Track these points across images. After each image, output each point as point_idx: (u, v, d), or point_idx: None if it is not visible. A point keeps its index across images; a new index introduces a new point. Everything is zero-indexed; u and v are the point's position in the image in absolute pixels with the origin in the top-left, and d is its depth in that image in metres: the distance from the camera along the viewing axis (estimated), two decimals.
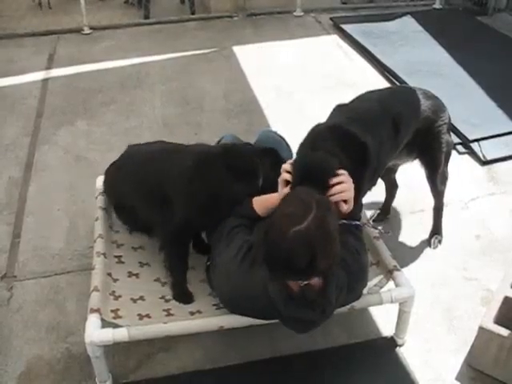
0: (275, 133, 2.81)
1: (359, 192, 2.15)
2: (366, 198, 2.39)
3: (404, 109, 2.46)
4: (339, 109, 2.42)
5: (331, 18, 5.82)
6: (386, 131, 2.35)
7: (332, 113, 2.42)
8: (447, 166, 2.74)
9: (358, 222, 2.18)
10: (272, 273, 1.86)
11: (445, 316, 2.53)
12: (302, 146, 2.24)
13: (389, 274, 2.30)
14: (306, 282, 1.83)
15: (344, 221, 2.07)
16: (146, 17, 5.93)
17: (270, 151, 2.36)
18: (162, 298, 2.32)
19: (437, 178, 2.72)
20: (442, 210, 2.88)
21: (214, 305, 2.25)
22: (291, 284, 1.88)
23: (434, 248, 2.89)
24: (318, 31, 5.65)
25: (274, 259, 1.78)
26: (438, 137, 2.59)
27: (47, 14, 6.00)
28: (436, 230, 2.93)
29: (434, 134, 2.58)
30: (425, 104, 2.53)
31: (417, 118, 2.50)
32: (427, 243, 2.91)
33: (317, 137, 2.22)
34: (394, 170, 2.94)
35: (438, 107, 2.59)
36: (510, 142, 3.76)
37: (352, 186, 2.03)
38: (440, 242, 2.91)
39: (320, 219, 1.75)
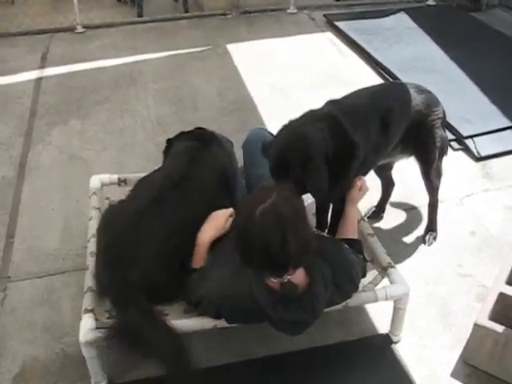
0: (266, 130, 2.81)
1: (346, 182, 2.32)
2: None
3: (394, 104, 2.47)
4: (330, 103, 2.44)
5: (325, 15, 5.82)
6: (375, 126, 2.36)
7: (323, 107, 2.44)
8: (441, 161, 2.74)
9: None
10: (250, 265, 1.85)
11: (440, 312, 2.54)
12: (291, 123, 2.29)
13: (383, 271, 2.31)
14: (286, 278, 1.83)
15: None
16: (140, 15, 5.90)
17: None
18: None
19: (431, 174, 2.72)
20: (436, 206, 2.88)
21: None
22: (272, 284, 1.87)
23: (429, 245, 2.89)
24: (311, 28, 5.64)
25: (248, 247, 1.78)
26: (431, 131, 2.59)
27: (40, 13, 5.96)
28: (431, 227, 2.92)
29: (427, 128, 2.58)
30: (417, 98, 2.53)
31: (408, 113, 2.50)
32: (422, 240, 2.91)
33: (310, 118, 2.28)
34: (389, 167, 2.94)
35: (431, 101, 2.59)
36: (504, 138, 3.77)
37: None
38: (435, 238, 2.91)
39: (284, 197, 1.78)
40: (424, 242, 2.90)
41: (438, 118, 2.60)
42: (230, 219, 2.18)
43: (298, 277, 1.88)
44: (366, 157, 2.36)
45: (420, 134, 2.58)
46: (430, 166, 2.70)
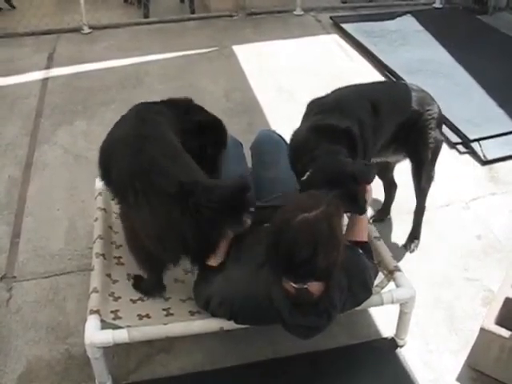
0: (274, 132, 2.81)
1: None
2: None
3: (383, 95, 2.48)
4: (310, 106, 2.47)
5: (331, 17, 5.82)
6: (364, 112, 2.37)
7: (305, 111, 2.47)
8: (434, 164, 2.69)
9: None
10: (271, 265, 1.85)
11: (446, 317, 2.52)
12: (298, 156, 2.29)
13: (390, 274, 2.29)
14: (304, 286, 1.82)
15: None
16: (146, 16, 5.92)
17: None
18: (161, 296, 2.30)
19: (422, 176, 2.67)
20: (423, 212, 2.84)
21: None
22: (288, 286, 1.86)
23: (411, 252, 2.84)
24: (317, 30, 5.64)
25: (276, 246, 1.77)
26: (424, 131, 2.55)
27: (47, 14, 5.98)
28: (415, 234, 2.88)
29: (420, 127, 2.54)
30: (411, 95, 2.51)
31: (400, 108, 2.49)
32: (404, 247, 2.87)
33: (309, 144, 2.26)
34: (389, 169, 2.92)
35: (424, 100, 2.56)
36: (511, 141, 3.75)
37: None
38: (416, 246, 2.86)
39: (328, 215, 1.76)
40: (406, 249, 2.85)
41: (432, 119, 2.55)
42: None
43: (315, 285, 1.85)
44: (366, 143, 2.36)
45: (412, 132, 2.54)
46: (421, 167, 2.64)
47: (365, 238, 2.28)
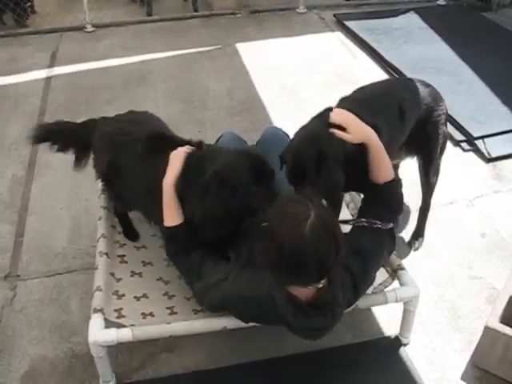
0: (280, 130, 2.80)
1: None
2: None
3: (407, 94, 2.45)
4: (344, 100, 2.40)
5: (334, 15, 5.80)
6: (392, 114, 2.34)
7: (337, 105, 2.40)
8: (441, 158, 2.71)
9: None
10: (296, 278, 1.79)
11: (450, 315, 2.52)
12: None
13: (394, 273, 2.29)
14: (321, 284, 1.80)
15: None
16: (149, 14, 5.91)
17: None
18: (166, 294, 2.31)
19: (430, 170, 2.69)
20: (428, 210, 2.84)
21: None
22: (303, 293, 1.83)
23: (415, 250, 2.85)
24: (321, 28, 5.62)
25: (301, 263, 1.70)
26: (436, 126, 2.56)
27: (50, 13, 5.98)
28: (420, 232, 2.88)
29: (432, 123, 2.55)
30: (424, 92, 2.51)
31: (419, 106, 2.48)
32: (408, 245, 2.86)
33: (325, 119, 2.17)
34: (395, 167, 2.91)
35: (437, 95, 2.58)
36: None
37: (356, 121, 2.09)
38: (421, 244, 2.86)
39: (321, 208, 1.76)
40: (410, 247, 2.85)
41: (443, 114, 2.58)
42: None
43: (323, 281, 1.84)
44: (391, 143, 2.31)
45: (425, 128, 2.54)
46: (431, 163, 2.66)
47: (391, 175, 2.14)
